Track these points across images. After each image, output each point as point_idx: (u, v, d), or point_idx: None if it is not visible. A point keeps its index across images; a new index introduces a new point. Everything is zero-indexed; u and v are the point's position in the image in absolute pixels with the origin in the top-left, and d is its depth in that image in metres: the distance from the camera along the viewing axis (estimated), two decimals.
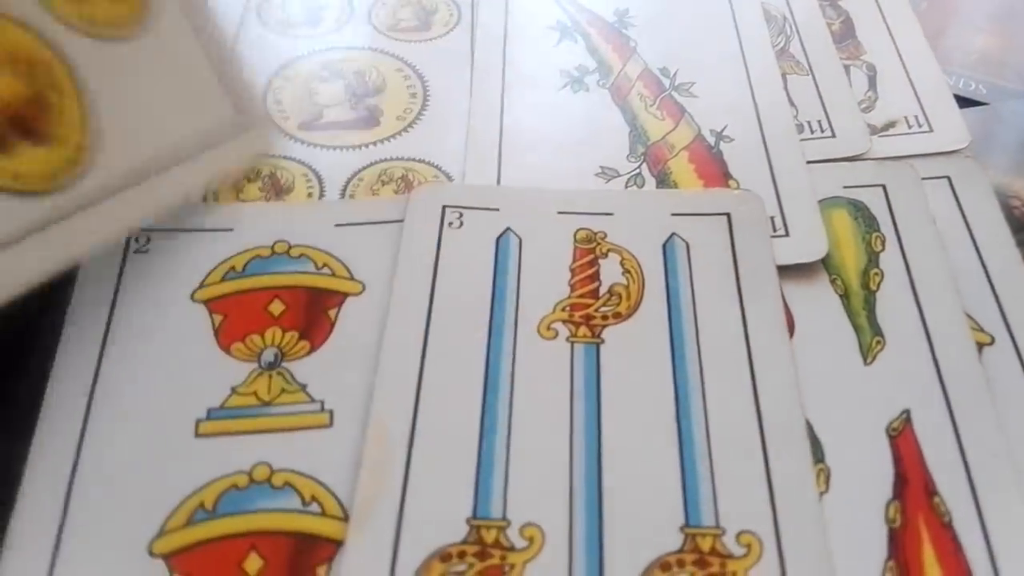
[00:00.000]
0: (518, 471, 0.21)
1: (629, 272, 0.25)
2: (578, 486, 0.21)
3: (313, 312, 0.25)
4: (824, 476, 0.22)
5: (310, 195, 0.28)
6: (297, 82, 0.32)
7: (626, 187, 0.28)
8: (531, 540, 0.20)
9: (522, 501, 0.21)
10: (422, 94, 0.31)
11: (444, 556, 0.20)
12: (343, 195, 0.28)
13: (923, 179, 0.28)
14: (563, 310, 0.25)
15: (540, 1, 0.35)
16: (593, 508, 0.21)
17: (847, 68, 0.33)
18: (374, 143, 0.30)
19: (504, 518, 0.21)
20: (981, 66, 0.34)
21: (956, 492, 0.21)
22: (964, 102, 0.32)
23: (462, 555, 0.20)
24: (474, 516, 0.21)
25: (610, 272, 0.25)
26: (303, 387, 0.23)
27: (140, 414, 0.23)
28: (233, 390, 0.23)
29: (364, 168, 0.29)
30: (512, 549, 0.20)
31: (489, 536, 0.20)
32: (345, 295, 0.25)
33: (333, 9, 0.35)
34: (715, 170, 0.29)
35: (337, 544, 0.21)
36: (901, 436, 0.22)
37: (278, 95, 0.31)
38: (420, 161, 0.29)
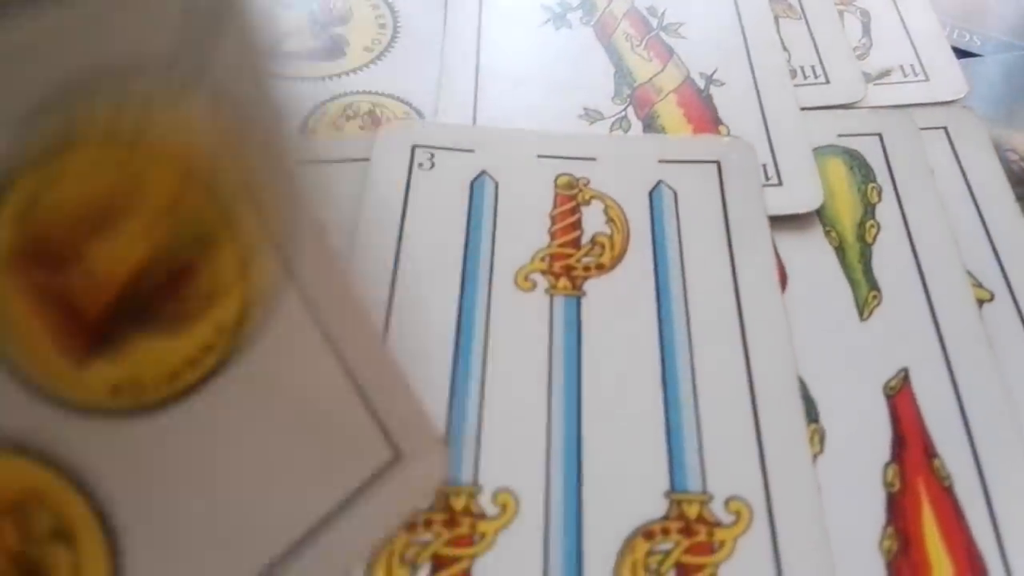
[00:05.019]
0: (491, 433, 0.20)
1: (613, 221, 0.24)
2: (556, 449, 0.19)
3: None
4: (818, 437, 0.20)
5: None
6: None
7: (611, 131, 0.26)
8: (504, 507, 0.19)
9: (495, 465, 0.19)
10: (392, 24, 0.29)
11: (409, 526, 0.18)
12: (304, 130, 0.26)
13: (920, 129, 0.27)
14: (542, 260, 0.23)
15: None
16: (572, 473, 0.19)
17: (840, 14, 0.31)
18: (338, 75, 0.27)
19: (475, 483, 0.19)
20: (974, 16, 0.33)
21: (957, 454, 0.20)
22: (958, 54, 0.31)
23: (428, 524, 0.18)
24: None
25: (593, 221, 0.24)
26: None
27: None
28: None
29: (327, 102, 0.27)
30: (483, 517, 0.19)
31: (458, 503, 0.19)
32: None
33: None
34: (705, 115, 0.27)
35: None
36: (899, 395, 0.21)
37: None
38: (388, 96, 0.27)
